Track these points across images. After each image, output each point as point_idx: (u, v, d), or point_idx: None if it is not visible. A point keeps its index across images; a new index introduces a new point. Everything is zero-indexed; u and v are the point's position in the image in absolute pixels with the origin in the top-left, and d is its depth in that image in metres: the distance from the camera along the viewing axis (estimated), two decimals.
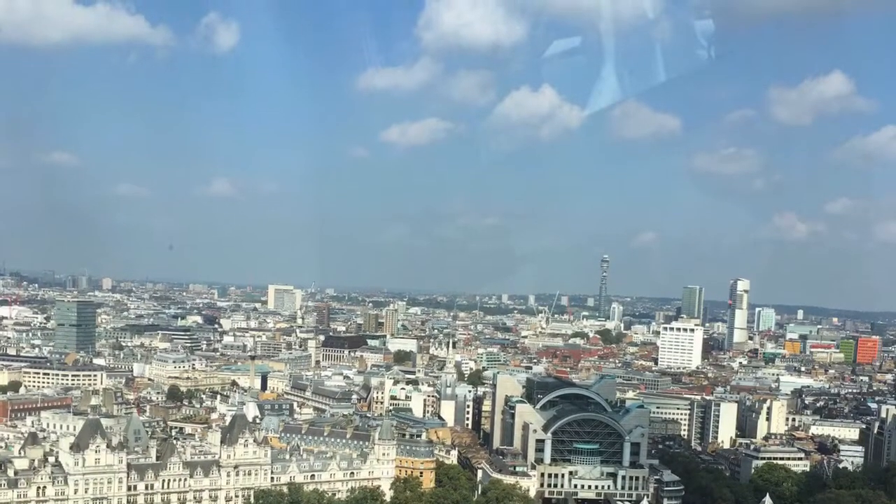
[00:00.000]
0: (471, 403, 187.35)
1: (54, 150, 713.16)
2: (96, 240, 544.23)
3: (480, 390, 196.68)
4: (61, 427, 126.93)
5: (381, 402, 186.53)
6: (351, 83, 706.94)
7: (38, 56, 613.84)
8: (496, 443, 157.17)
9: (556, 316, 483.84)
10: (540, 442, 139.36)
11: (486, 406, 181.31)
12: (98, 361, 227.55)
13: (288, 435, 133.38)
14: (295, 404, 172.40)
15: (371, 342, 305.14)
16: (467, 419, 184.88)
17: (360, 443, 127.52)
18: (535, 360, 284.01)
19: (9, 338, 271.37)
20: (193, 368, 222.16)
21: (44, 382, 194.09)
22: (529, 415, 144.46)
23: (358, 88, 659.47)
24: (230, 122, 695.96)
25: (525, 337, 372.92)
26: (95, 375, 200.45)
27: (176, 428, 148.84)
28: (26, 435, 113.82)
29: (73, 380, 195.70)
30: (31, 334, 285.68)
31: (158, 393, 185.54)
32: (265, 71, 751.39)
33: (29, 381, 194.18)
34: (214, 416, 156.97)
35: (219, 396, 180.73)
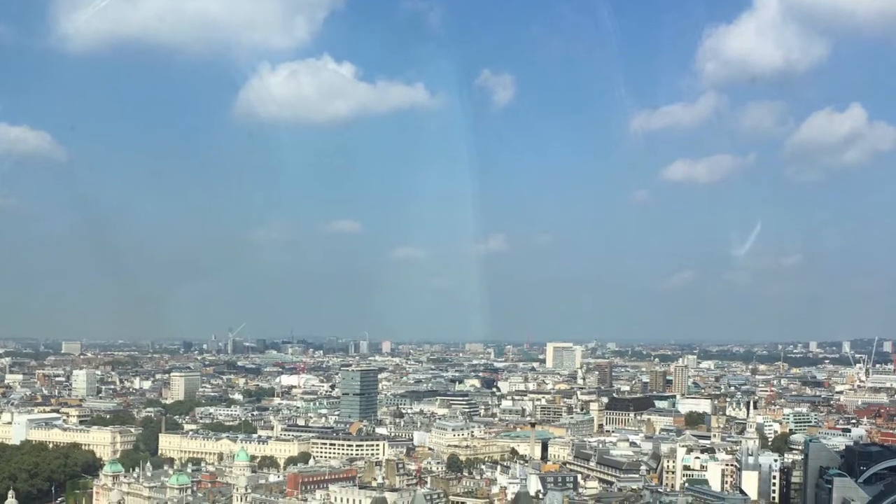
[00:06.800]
0: (777, 474, 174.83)
1: (339, 219, 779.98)
2: (375, 303, 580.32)
3: (788, 458, 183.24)
4: (349, 501, 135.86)
5: (673, 473, 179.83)
6: (625, 125, 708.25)
7: (324, 130, 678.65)
8: None
9: (877, 366, 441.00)
10: None
11: (796, 477, 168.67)
12: (380, 430, 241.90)
13: None
14: (579, 476, 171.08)
15: (658, 403, 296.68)
16: (773, 493, 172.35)
17: None
18: (853, 422, 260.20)
19: (298, 407, 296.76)
20: (472, 436, 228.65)
21: (331, 453, 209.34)
22: (851, 491, 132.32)
23: (633, 130, 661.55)
24: (503, 175, 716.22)
25: (840, 393, 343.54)
26: (378, 445, 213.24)
27: (457, 503, 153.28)
28: None
29: (356, 450, 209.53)
30: (317, 403, 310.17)
31: (438, 463, 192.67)
32: (534, 122, 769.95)
33: (317, 452, 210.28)
34: (495, 489, 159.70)
35: (499, 467, 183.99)
